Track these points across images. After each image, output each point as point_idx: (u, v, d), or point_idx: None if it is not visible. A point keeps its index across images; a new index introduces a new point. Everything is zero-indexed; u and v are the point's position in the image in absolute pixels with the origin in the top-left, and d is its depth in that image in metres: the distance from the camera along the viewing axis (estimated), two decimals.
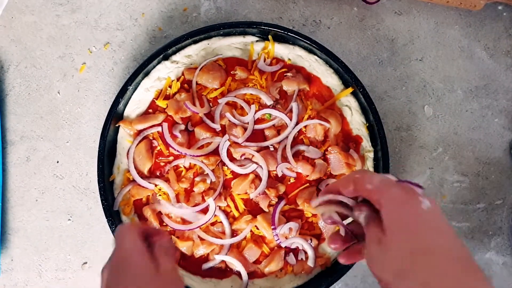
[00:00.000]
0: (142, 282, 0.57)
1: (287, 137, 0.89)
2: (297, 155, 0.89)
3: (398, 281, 0.53)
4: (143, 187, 0.88)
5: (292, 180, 0.89)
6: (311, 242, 0.87)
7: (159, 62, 0.89)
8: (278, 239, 0.86)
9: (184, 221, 0.88)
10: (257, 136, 0.90)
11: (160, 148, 0.89)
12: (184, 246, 0.87)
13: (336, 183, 0.63)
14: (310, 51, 0.90)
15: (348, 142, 0.90)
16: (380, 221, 0.56)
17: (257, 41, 0.91)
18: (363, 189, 0.58)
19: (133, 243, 0.61)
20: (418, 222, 0.54)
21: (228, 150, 0.89)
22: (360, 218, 0.60)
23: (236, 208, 0.88)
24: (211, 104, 0.91)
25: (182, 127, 0.89)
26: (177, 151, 0.88)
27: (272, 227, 0.87)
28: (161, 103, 0.89)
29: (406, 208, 0.55)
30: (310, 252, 0.87)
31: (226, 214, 0.89)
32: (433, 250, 0.52)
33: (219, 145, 0.89)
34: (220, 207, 0.88)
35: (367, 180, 0.58)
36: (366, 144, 0.89)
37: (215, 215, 0.88)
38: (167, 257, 0.62)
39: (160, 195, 0.88)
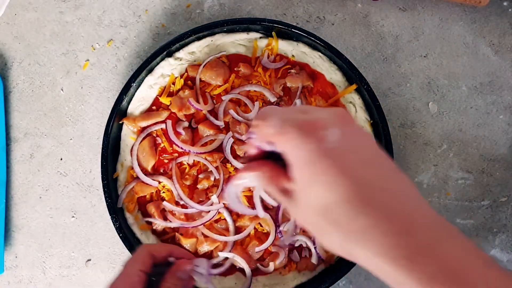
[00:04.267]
0: None
1: None
2: None
3: (319, 236, 0.45)
4: (147, 184, 0.88)
5: None
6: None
7: (162, 59, 0.89)
8: (282, 236, 0.86)
9: (187, 218, 0.88)
10: None
11: (164, 145, 0.89)
12: (188, 243, 0.87)
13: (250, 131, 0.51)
14: (314, 48, 0.90)
15: None
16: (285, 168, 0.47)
17: (260, 37, 0.91)
18: (265, 135, 0.47)
19: (128, 276, 0.57)
20: (322, 166, 0.43)
21: (232, 147, 0.89)
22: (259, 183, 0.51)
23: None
24: (214, 101, 0.90)
25: (186, 124, 0.89)
26: (181, 148, 0.88)
27: (276, 224, 0.87)
28: (164, 100, 0.89)
29: (308, 152, 0.43)
30: (314, 250, 0.87)
31: (230, 211, 0.89)
32: (342, 199, 0.42)
33: (222, 142, 0.88)
34: (224, 205, 0.88)
35: (270, 124, 0.46)
36: None
37: (219, 212, 0.88)
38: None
39: (163, 192, 0.88)
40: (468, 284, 0.39)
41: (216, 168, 0.88)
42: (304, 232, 0.88)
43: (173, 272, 0.59)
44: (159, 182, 0.88)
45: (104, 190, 0.86)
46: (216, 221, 0.89)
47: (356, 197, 0.41)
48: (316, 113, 0.46)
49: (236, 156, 0.89)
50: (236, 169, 0.89)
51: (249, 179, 0.50)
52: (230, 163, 0.88)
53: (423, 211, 0.43)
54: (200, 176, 0.89)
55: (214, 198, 0.87)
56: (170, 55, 0.90)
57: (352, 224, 0.41)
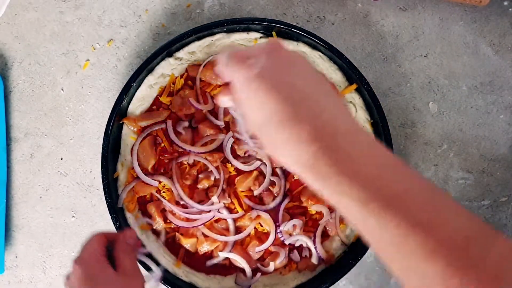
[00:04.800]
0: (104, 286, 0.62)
1: None
2: None
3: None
4: (147, 184, 0.88)
5: (296, 177, 0.89)
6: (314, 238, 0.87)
7: (162, 59, 0.89)
8: (282, 236, 0.86)
9: (188, 218, 0.88)
10: None
11: (164, 145, 0.89)
12: (188, 243, 0.88)
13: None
14: (314, 48, 0.90)
15: None
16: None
17: (261, 37, 0.91)
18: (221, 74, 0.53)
19: (91, 251, 0.65)
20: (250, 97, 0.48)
21: (232, 147, 0.89)
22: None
23: (240, 205, 0.88)
24: (215, 101, 0.90)
25: (186, 124, 0.89)
26: (181, 148, 0.88)
27: (276, 224, 0.87)
28: (165, 100, 0.89)
29: (240, 81, 0.48)
30: (314, 250, 0.87)
31: (230, 211, 0.89)
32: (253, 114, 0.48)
33: (223, 142, 0.88)
34: (224, 204, 0.88)
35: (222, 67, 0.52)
36: None
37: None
38: (124, 254, 0.66)
39: (164, 191, 0.89)
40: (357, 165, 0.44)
41: (217, 168, 0.88)
42: (304, 232, 0.88)
43: (121, 239, 0.69)
44: (159, 182, 0.88)
45: (104, 190, 0.86)
46: (216, 221, 0.89)
47: (283, 113, 0.45)
48: (252, 47, 0.53)
49: (236, 156, 0.89)
50: (236, 169, 0.89)
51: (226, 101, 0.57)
52: (231, 162, 0.88)
53: (347, 124, 0.47)
54: (200, 176, 0.89)
55: (214, 198, 0.87)
56: (170, 55, 0.90)
57: (278, 138, 0.46)
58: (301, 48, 0.90)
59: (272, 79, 0.47)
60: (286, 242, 0.87)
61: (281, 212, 0.87)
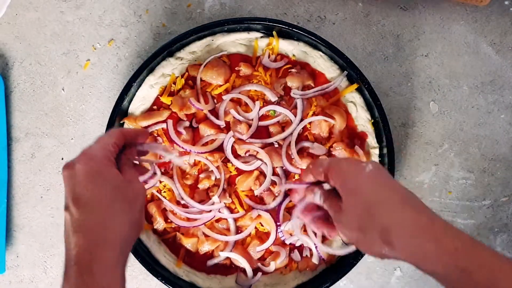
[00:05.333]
0: (108, 186, 0.61)
1: (291, 133, 0.88)
2: (302, 152, 0.89)
3: (362, 236, 0.59)
4: None
5: (296, 177, 0.89)
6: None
7: (163, 59, 0.89)
8: (283, 236, 0.86)
9: (188, 218, 0.88)
10: (261, 132, 0.89)
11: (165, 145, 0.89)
12: (189, 243, 0.88)
13: (300, 178, 0.73)
14: (315, 47, 0.90)
15: (353, 138, 0.89)
16: (339, 196, 0.62)
17: (261, 37, 0.90)
18: (318, 173, 0.65)
19: (103, 145, 0.63)
20: (365, 182, 0.60)
21: (232, 146, 0.88)
22: (316, 198, 0.66)
23: (241, 205, 0.88)
24: (215, 100, 0.90)
25: (187, 123, 0.89)
26: (182, 147, 0.88)
27: (277, 223, 0.87)
28: (165, 99, 0.89)
29: (353, 174, 0.62)
30: (315, 250, 0.87)
31: (231, 210, 0.89)
32: (383, 200, 0.58)
33: (223, 141, 0.88)
34: (225, 204, 0.88)
35: (318, 165, 0.65)
36: (372, 140, 0.89)
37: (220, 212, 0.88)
38: (130, 162, 0.66)
39: (164, 191, 0.89)
40: None
41: (217, 167, 0.88)
42: (305, 232, 0.87)
43: (131, 146, 0.69)
44: (160, 182, 0.88)
45: None
46: (217, 220, 0.89)
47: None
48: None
49: (237, 156, 0.89)
50: (237, 168, 0.89)
51: (312, 196, 0.66)
52: (231, 162, 0.88)
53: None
54: (201, 175, 0.89)
55: (215, 198, 0.87)
56: (171, 54, 0.90)
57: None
58: (302, 47, 0.90)
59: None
60: (287, 242, 0.87)
61: (281, 211, 0.87)
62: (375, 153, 0.88)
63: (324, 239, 0.88)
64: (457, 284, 0.53)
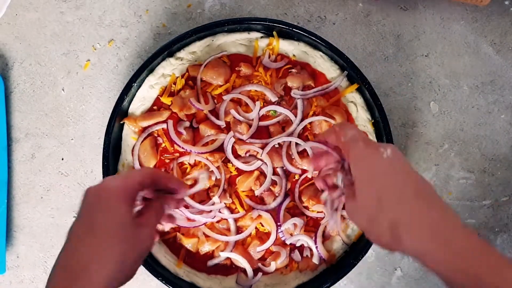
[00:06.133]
0: (110, 222, 0.57)
1: (292, 133, 0.88)
2: (302, 152, 0.89)
3: (371, 226, 0.58)
4: None
5: (297, 177, 0.89)
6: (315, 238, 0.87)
7: (163, 59, 0.89)
8: (283, 236, 0.86)
9: (189, 219, 0.87)
10: (261, 133, 0.89)
11: (165, 145, 0.89)
12: (189, 243, 0.88)
13: (323, 133, 0.71)
14: (315, 47, 0.90)
15: None
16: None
17: (261, 37, 0.90)
18: (339, 140, 0.64)
19: (129, 182, 0.60)
20: (380, 170, 0.59)
21: (233, 147, 0.88)
22: (338, 181, 0.67)
23: (241, 205, 0.88)
24: (215, 101, 0.90)
25: (187, 124, 0.89)
26: (182, 148, 0.88)
27: (277, 224, 0.87)
28: (165, 100, 0.89)
29: (368, 160, 0.60)
30: (315, 250, 0.87)
31: (231, 211, 0.88)
32: (395, 192, 0.57)
33: (224, 142, 0.88)
34: (225, 204, 0.88)
35: (342, 133, 0.64)
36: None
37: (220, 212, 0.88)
38: (148, 211, 0.62)
39: None
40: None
41: (217, 168, 0.88)
42: (305, 232, 0.87)
43: (160, 200, 0.66)
44: None
45: None
46: (218, 221, 0.89)
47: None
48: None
49: (237, 156, 0.89)
50: (237, 168, 0.89)
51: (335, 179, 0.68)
52: (231, 162, 0.88)
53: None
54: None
55: (215, 198, 0.87)
56: (171, 55, 0.90)
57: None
58: (302, 48, 0.90)
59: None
60: (287, 242, 0.87)
61: (282, 212, 0.87)
62: None
63: (324, 239, 0.88)
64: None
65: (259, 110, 0.89)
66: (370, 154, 0.60)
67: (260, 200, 0.89)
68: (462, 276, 0.52)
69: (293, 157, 0.88)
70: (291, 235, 0.87)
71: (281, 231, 0.86)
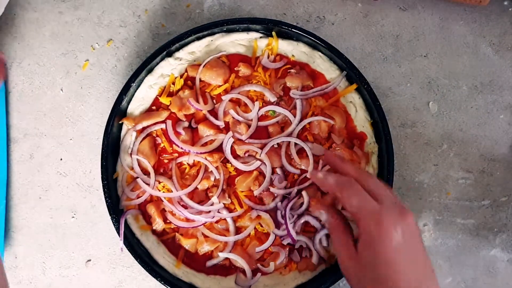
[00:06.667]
0: None
1: (291, 134, 0.88)
2: (301, 152, 0.89)
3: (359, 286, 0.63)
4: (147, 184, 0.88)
5: (295, 177, 0.89)
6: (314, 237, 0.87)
7: (162, 59, 0.89)
8: (282, 236, 0.86)
9: (187, 219, 0.87)
10: (261, 133, 0.89)
11: (164, 145, 0.89)
12: (188, 244, 0.87)
13: (337, 166, 0.73)
14: (314, 48, 0.90)
15: (352, 139, 0.89)
16: (350, 232, 0.66)
17: (260, 37, 0.90)
18: (345, 200, 0.66)
19: None
20: (385, 252, 0.60)
21: (232, 147, 0.88)
22: (322, 218, 0.71)
23: (240, 205, 0.88)
24: (214, 101, 0.90)
25: (186, 124, 0.89)
26: (181, 148, 0.87)
27: (276, 224, 0.86)
28: (164, 100, 0.89)
29: (377, 245, 0.61)
30: (314, 250, 0.87)
31: (230, 211, 0.88)
32: (398, 279, 0.59)
33: (223, 142, 0.88)
34: (224, 205, 0.88)
35: (355, 201, 0.65)
36: (371, 141, 0.89)
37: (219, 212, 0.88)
38: None
39: (163, 192, 0.88)
40: None
41: (216, 168, 0.88)
42: (304, 232, 0.87)
43: None
44: (159, 182, 0.88)
45: (104, 191, 0.85)
46: (217, 221, 0.89)
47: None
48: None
49: (236, 156, 0.89)
50: (236, 169, 0.88)
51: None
52: (230, 163, 0.88)
53: None
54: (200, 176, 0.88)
55: (214, 198, 0.87)
56: (170, 55, 0.90)
57: None
58: (301, 48, 0.90)
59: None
60: (285, 243, 0.87)
61: (287, 212, 0.87)
62: (374, 153, 0.88)
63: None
64: None
65: (258, 110, 0.89)
66: (379, 239, 0.61)
67: (259, 201, 0.89)
68: None
69: (292, 157, 0.88)
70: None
71: (289, 231, 0.84)
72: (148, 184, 0.87)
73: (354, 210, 0.65)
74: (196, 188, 0.88)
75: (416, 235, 0.64)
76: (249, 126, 0.89)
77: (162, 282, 0.84)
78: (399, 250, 0.60)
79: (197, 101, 0.89)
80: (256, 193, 0.88)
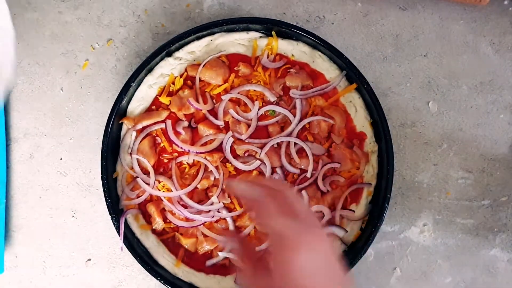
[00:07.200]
0: None
1: (290, 133, 0.88)
2: (301, 152, 0.89)
3: None
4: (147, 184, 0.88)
5: (295, 176, 0.89)
6: None
7: (162, 59, 0.89)
8: None
9: (187, 218, 0.87)
10: (260, 132, 0.89)
11: (164, 145, 0.89)
12: (187, 243, 0.87)
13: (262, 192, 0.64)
14: (314, 47, 0.90)
15: (352, 138, 0.89)
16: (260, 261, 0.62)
17: (260, 37, 0.90)
18: (264, 220, 0.61)
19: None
20: (294, 276, 0.57)
21: (231, 146, 0.88)
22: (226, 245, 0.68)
23: (240, 205, 0.88)
24: (214, 100, 0.90)
25: (186, 124, 0.89)
26: (181, 148, 0.88)
27: None
28: (164, 100, 0.89)
29: (285, 266, 0.57)
30: None
31: (230, 211, 0.88)
32: None
33: (222, 142, 0.88)
34: (223, 204, 0.88)
35: (271, 218, 0.59)
36: (371, 140, 0.89)
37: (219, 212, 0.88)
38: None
39: (163, 191, 0.88)
40: None
41: (216, 167, 0.88)
42: None
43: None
44: (159, 182, 0.88)
45: (104, 190, 0.86)
46: (216, 221, 0.89)
47: None
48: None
49: (236, 156, 0.89)
50: (236, 168, 0.88)
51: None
52: (230, 162, 0.88)
53: None
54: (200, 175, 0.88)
55: (214, 198, 0.87)
56: (169, 54, 0.90)
57: None
58: (301, 47, 0.90)
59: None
60: None
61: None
62: (374, 153, 0.88)
63: None
64: None
65: (258, 110, 0.89)
66: (287, 260, 0.58)
67: None
68: None
69: (292, 156, 0.88)
70: None
71: None
72: (148, 184, 0.87)
73: (272, 231, 0.60)
74: (195, 187, 0.88)
75: (326, 253, 0.60)
76: (248, 125, 0.89)
77: (162, 282, 0.84)
78: (305, 271, 0.57)
79: (197, 101, 0.89)
80: None
